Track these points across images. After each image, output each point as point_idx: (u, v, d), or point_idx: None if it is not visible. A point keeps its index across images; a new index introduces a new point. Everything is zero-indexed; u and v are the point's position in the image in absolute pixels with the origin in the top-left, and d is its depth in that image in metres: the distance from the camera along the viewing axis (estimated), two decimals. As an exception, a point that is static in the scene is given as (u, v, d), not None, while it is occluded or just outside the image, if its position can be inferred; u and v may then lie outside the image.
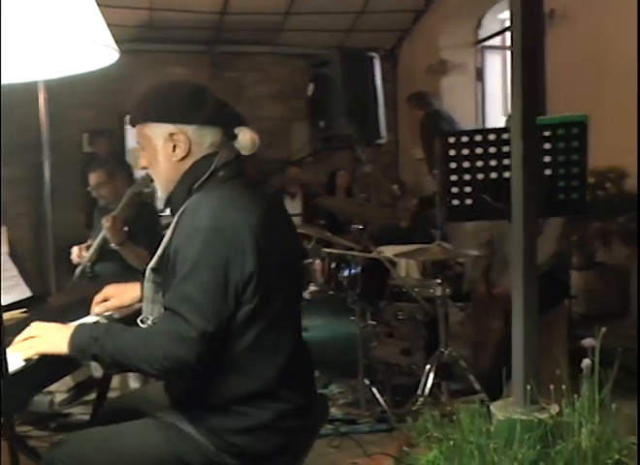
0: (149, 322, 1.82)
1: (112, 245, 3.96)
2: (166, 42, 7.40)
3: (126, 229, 4.05)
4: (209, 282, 1.68)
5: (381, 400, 3.37)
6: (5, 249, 2.39)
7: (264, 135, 6.63)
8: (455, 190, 2.85)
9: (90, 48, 1.40)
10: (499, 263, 3.81)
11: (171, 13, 6.57)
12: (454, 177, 2.83)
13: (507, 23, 7.27)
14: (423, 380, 3.22)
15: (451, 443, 1.78)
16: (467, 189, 2.84)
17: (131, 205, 4.10)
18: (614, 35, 4.60)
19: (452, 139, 2.80)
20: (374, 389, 3.43)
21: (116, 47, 1.44)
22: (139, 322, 1.85)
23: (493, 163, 2.79)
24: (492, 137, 2.77)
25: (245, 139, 1.85)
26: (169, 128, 1.81)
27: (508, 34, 7.29)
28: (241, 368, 1.76)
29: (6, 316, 2.07)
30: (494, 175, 2.81)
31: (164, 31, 7.13)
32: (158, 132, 1.82)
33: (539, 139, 2.73)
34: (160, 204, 1.94)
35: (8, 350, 1.75)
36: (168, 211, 1.90)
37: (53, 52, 1.45)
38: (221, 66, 7.79)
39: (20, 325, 2.02)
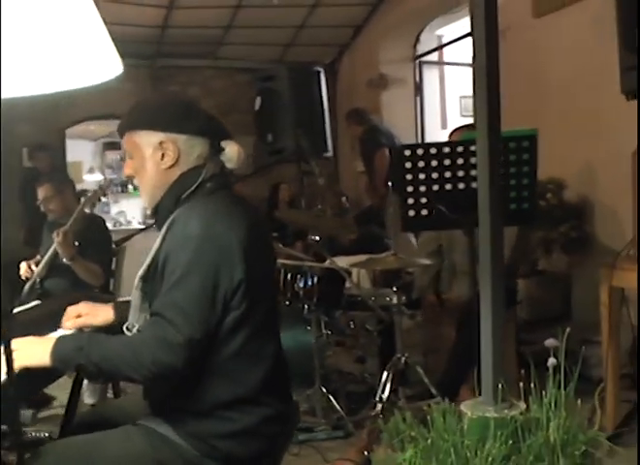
0: (135, 329, 1.85)
1: (64, 260, 3.93)
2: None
3: (77, 244, 4.04)
4: (199, 289, 1.72)
5: (338, 407, 3.44)
6: None
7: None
8: (411, 201, 2.94)
9: (95, 61, 1.43)
10: (447, 271, 3.95)
11: (114, 26, 6.49)
12: (410, 188, 2.92)
13: (444, 39, 7.49)
14: (381, 386, 3.29)
15: (428, 441, 1.85)
16: (423, 200, 2.94)
17: (81, 220, 4.09)
18: (552, 49, 4.80)
19: (408, 152, 2.89)
20: (331, 397, 3.50)
21: (120, 60, 1.47)
22: (124, 329, 1.87)
23: (447, 174, 2.89)
24: (446, 149, 2.88)
25: (232, 151, 1.91)
26: (159, 136, 1.85)
27: (445, 49, 7.52)
28: (227, 374, 1.80)
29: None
30: (448, 187, 2.91)
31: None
32: (148, 139, 1.86)
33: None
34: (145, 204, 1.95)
35: None
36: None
37: (56, 64, 1.46)
38: (162, 79, 7.78)
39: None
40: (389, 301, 3.34)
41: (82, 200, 4.21)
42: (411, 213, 2.96)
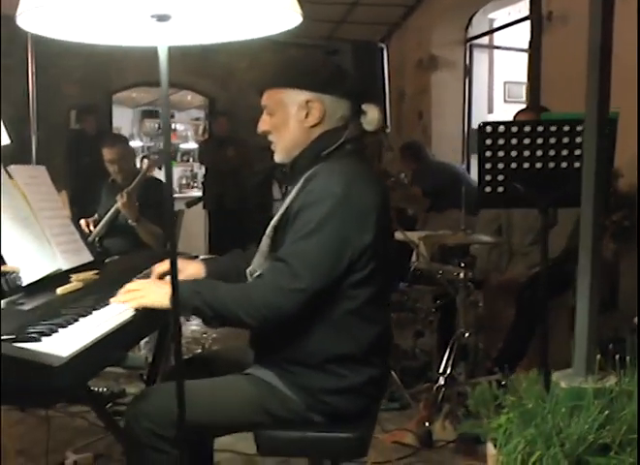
0: (256, 275, 1.91)
1: (129, 222, 4.00)
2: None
3: (137, 204, 4.11)
4: (329, 243, 1.77)
5: (397, 380, 3.50)
6: (67, 213, 2.44)
7: (251, 122, 6.70)
8: (488, 178, 2.97)
9: (273, 11, 1.50)
10: (505, 251, 3.98)
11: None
12: (488, 165, 2.95)
13: (496, 23, 7.46)
14: (444, 360, 3.35)
15: (530, 406, 1.90)
16: (500, 177, 2.97)
17: (143, 182, 4.15)
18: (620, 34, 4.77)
19: (489, 129, 2.92)
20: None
21: (299, 11, 1.52)
22: (247, 273, 1.94)
23: (526, 153, 2.92)
24: (527, 128, 2.90)
25: (373, 115, 1.95)
26: (307, 95, 1.89)
27: (496, 34, 7.49)
28: (342, 330, 1.85)
29: (80, 276, 2.14)
30: (526, 165, 2.93)
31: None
32: (295, 98, 1.90)
33: (575, 133, 2.89)
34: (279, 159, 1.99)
35: (111, 301, 1.84)
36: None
37: (238, 14, 1.54)
38: (211, 49, 7.77)
39: (97, 285, 2.10)
40: (456, 276, 3.37)
41: (146, 162, 4.28)
42: (487, 190, 2.99)
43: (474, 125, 7.44)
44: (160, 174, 5.00)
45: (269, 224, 1.92)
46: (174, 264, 1.55)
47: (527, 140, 2.91)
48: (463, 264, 3.41)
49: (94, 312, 1.78)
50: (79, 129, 7.22)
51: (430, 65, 7.08)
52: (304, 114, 1.90)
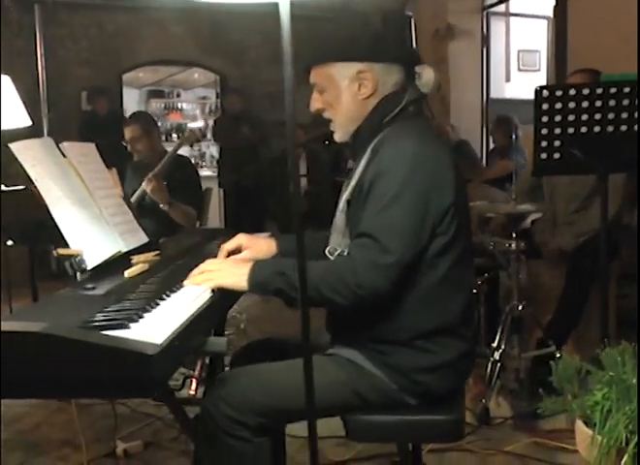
0: (336, 254, 1.82)
1: (161, 206, 3.87)
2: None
3: (165, 183, 3.98)
4: (411, 210, 1.67)
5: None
6: (120, 191, 2.33)
7: (265, 98, 6.64)
8: (544, 144, 2.85)
9: None
10: (549, 220, 3.87)
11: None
12: (544, 131, 2.83)
13: (512, -10, 7.30)
14: (498, 334, 3.25)
15: (634, 381, 1.80)
16: (557, 143, 2.85)
17: (171, 161, 4.03)
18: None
19: (546, 93, 2.80)
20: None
21: None
22: (326, 253, 1.85)
23: (584, 117, 2.80)
24: (585, 91, 2.78)
25: (429, 76, 1.85)
26: (356, 66, 1.80)
27: (512, 1, 7.33)
28: (430, 301, 1.75)
29: (141, 258, 2.03)
30: (584, 130, 2.82)
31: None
32: (344, 71, 1.81)
33: (633, 94, 2.76)
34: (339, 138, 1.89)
35: (185, 283, 1.73)
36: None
37: None
38: (222, 24, 7.63)
39: (161, 266, 2.00)
40: (508, 247, 3.26)
41: (177, 140, 4.17)
42: (543, 156, 2.88)
43: (492, 95, 7.32)
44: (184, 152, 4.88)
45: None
46: (300, 240, 1.46)
47: (585, 104, 2.79)
48: (514, 235, 3.30)
49: (172, 295, 1.67)
50: (90, 110, 7.09)
51: (446, 34, 6.92)
52: (357, 86, 1.82)
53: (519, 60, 8.15)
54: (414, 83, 1.86)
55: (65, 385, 1.35)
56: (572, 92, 2.79)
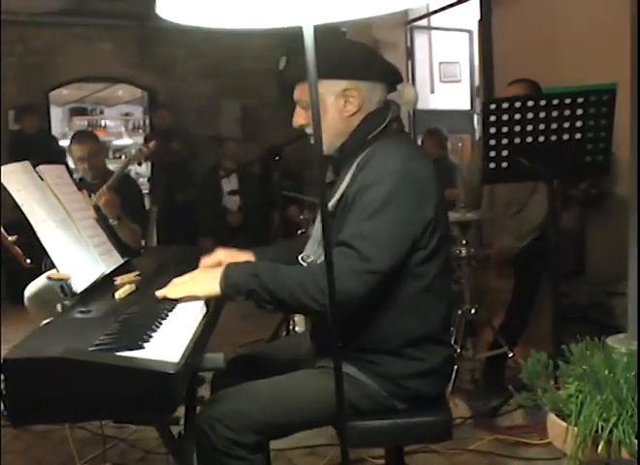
0: (309, 261, 1.87)
1: (111, 221, 3.84)
2: (94, 15, 7.15)
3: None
4: (394, 222, 1.73)
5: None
6: (93, 213, 2.33)
7: (194, 112, 6.64)
8: (492, 154, 2.99)
9: None
10: (489, 224, 4.04)
11: (106, -16, 6.34)
12: (492, 142, 2.97)
13: (433, 6, 7.51)
14: (453, 336, 3.37)
15: (605, 373, 1.92)
16: (504, 153, 3.00)
17: (118, 179, 4.01)
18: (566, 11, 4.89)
19: (493, 106, 2.94)
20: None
21: None
22: (299, 259, 1.90)
23: (529, 128, 2.95)
24: (530, 103, 2.93)
25: (410, 94, 1.94)
26: (343, 84, 1.86)
27: (434, 16, 7.55)
28: (414, 311, 1.83)
29: (124, 279, 2.04)
30: (529, 139, 2.97)
31: (94, 3, 6.87)
32: (331, 88, 1.86)
33: (575, 105, 2.94)
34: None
35: (157, 294, 1.78)
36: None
37: None
38: (149, 41, 7.61)
39: (147, 286, 2.01)
40: (459, 253, 3.39)
41: (124, 158, 4.14)
42: (492, 166, 3.02)
43: (418, 106, 7.51)
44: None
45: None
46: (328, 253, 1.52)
47: (530, 115, 2.95)
48: (465, 242, 3.43)
49: (170, 313, 1.70)
50: (18, 129, 6.92)
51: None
52: (343, 103, 1.88)
53: (440, 72, 8.39)
54: (395, 101, 1.94)
55: (84, 407, 1.37)
56: (517, 104, 2.94)
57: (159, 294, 1.78)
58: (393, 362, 1.83)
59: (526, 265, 3.65)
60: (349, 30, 7.32)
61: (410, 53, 7.36)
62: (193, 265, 2.08)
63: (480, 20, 5.74)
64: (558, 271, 3.06)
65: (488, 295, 3.91)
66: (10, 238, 3.67)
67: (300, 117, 1.94)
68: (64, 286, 1.81)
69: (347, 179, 1.84)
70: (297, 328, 3.92)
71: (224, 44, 7.89)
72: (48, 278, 1.80)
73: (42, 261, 4.10)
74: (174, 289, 1.79)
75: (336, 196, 1.86)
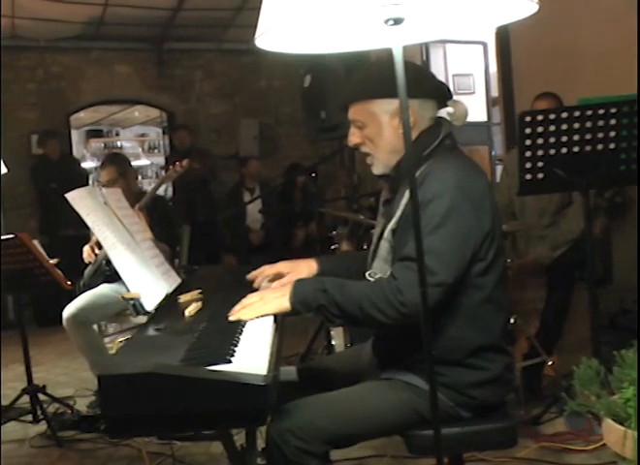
0: (376, 277, 1.92)
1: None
2: (112, 39, 7.26)
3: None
4: (455, 235, 1.79)
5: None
6: (150, 234, 2.39)
7: (211, 131, 6.75)
8: (528, 165, 3.05)
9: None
10: (523, 235, 4.07)
11: (125, 9, 6.44)
12: (528, 153, 3.03)
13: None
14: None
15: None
16: (540, 164, 3.05)
17: (149, 200, 4.08)
18: (584, 22, 4.95)
19: (528, 118, 3.00)
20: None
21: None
22: (367, 276, 1.95)
23: (564, 139, 3.01)
24: (564, 115, 2.99)
25: (461, 110, 1.98)
26: (397, 102, 1.89)
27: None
28: (477, 322, 1.88)
29: (187, 297, 2.10)
30: (564, 150, 3.03)
31: (111, 28, 6.98)
32: (385, 107, 1.92)
33: (608, 115, 2.99)
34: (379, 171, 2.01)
35: (230, 318, 1.83)
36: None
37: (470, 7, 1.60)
38: (167, 63, 7.72)
39: (212, 303, 2.07)
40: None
41: (140, 179, 4.23)
42: (528, 177, 3.08)
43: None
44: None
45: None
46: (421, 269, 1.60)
47: (564, 126, 3.00)
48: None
49: (244, 328, 1.76)
50: (41, 154, 7.02)
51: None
52: (398, 121, 1.92)
53: (454, 84, 8.47)
54: (445, 117, 2.00)
55: (178, 419, 1.43)
56: (552, 116, 3.00)
57: (233, 318, 1.84)
58: (457, 372, 1.88)
59: (560, 275, 3.69)
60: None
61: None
62: (246, 282, 2.15)
63: (497, 33, 5.81)
64: (595, 280, 3.10)
65: (521, 305, 3.94)
66: (51, 261, 3.77)
67: (355, 137, 1.99)
68: (136, 305, 1.86)
69: (406, 196, 1.89)
70: (333, 341, 3.96)
71: (239, 63, 8.02)
72: (122, 298, 1.85)
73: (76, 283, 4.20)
74: (246, 311, 1.85)
75: (398, 213, 1.91)
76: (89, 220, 1.90)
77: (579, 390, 2.23)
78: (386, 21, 1.53)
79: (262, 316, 1.83)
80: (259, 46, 1.57)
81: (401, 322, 1.80)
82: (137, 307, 1.87)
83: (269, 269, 2.16)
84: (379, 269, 1.95)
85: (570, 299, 3.64)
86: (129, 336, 1.74)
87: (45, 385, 4.02)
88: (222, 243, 7.53)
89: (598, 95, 4.78)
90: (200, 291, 2.18)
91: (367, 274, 1.97)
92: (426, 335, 1.59)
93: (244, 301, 1.89)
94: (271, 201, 7.19)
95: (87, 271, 4.31)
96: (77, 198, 1.91)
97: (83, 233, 6.31)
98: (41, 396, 3.93)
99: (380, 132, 1.94)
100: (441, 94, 1.99)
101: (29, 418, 3.91)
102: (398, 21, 1.52)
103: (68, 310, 3.97)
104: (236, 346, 1.60)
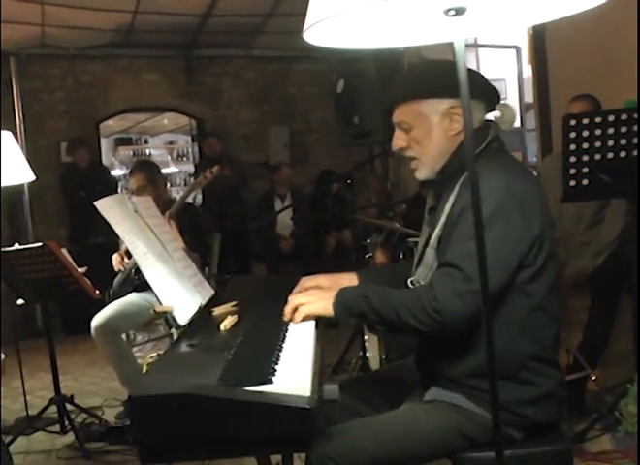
0: (418, 285, 1.85)
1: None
2: (141, 46, 7.24)
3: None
4: (499, 240, 1.68)
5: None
6: (183, 244, 2.31)
7: (241, 139, 6.67)
8: (573, 171, 2.93)
9: None
10: (563, 243, 3.93)
11: (155, 15, 6.40)
12: (573, 158, 2.92)
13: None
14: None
15: None
16: (585, 169, 2.93)
17: (180, 207, 4.01)
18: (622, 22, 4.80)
19: (573, 121, 2.88)
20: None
21: None
22: (409, 283, 1.88)
23: (610, 143, 2.89)
24: (611, 118, 2.87)
25: (509, 114, 1.91)
26: (447, 102, 1.82)
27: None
28: (525, 331, 1.77)
29: (221, 309, 2.01)
30: (610, 156, 2.91)
31: (140, 35, 6.96)
32: (436, 107, 1.83)
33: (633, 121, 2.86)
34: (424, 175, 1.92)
35: (285, 319, 1.84)
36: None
37: None
38: (195, 70, 7.69)
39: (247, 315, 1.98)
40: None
41: (169, 186, 4.17)
42: (572, 183, 2.96)
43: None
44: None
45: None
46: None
47: (610, 130, 2.88)
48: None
49: (284, 344, 1.67)
50: (70, 162, 7.00)
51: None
52: (449, 122, 1.84)
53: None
54: (493, 120, 1.91)
55: (215, 444, 1.34)
56: (598, 120, 2.88)
57: (286, 317, 1.86)
58: (506, 388, 1.73)
59: (603, 284, 3.55)
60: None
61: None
62: (282, 292, 2.07)
63: (532, 34, 5.68)
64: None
65: (563, 316, 3.80)
66: (80, 270, 3.71)
67: (400, 140, 1.89)
68: (169, 318, 1.78)
69: (451, 201, 1.80)
70: (368, 354, 3.86)
71: (268, 69, 7.97)
72: (154, 312, 1.76)
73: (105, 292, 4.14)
74: (298, 313, 1.84)
75: (442, 219, 1.82)
76: (119, 229, 1.82)
77: (632, 410, 2.12)
78: (447, 12, 1.41)
79: (309, 315, 1.83)
80: (307, 40, 1.48)
81: (439, 331, 1.71)
82: (169, 321, 1.78)
83: (308, 282, 2.08)
84: (422, 277, 1.87)
85: (616, 310, 3.50)
86: (160, 351, 1.63)
87: (72, 395, 3.97)
88: (252, 252, 7.47)
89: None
90: (235, 303, 2.09)
91: (409, 281, 1.90)
92: (489, 345, 1.48)
93: (294, 301, 1.87)
94: (302, 208, 7.11)
95: (116, 280, 4.25)
96: (106, 206, 1.83)
97: (113, 241, 6.30)
98: (68, 406, 3.87)
99: (429, 133, 1.85)
100: (490, 96, 1.90)
101: (57, 428, 3.86)
102: (460, 11, 1.40)
103: (97, 319, 3.91)
104: (277, 364, 1.51)
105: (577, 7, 1.47)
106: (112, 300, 4.14)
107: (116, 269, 4.20)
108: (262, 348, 1.62)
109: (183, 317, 1.84)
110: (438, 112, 1.84)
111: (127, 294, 4.20)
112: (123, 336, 4.18)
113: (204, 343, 1.70)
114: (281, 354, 1.58)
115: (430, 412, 1.81)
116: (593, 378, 3.39)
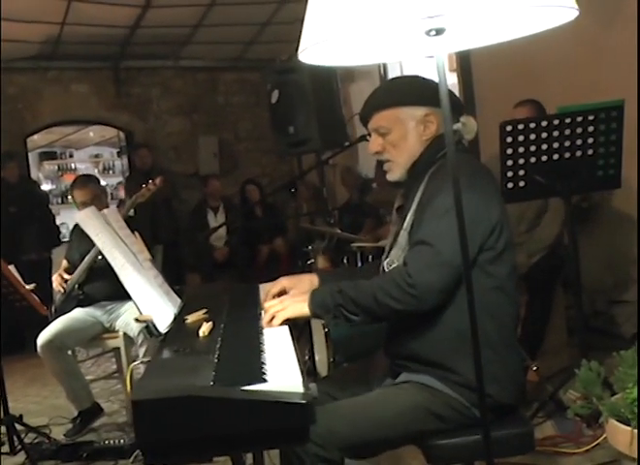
0: (394, 266, 1.98)
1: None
2: (69, 58, 7.15)
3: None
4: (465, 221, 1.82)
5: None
6: (149, 255, 2.35)
7: (170, 149, 6.68)
8: (510, 174, 3.10)
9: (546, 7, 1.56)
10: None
11: (83, 27, 6.35)
12: (509, 162, 3.09)
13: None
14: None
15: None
16: (521, 172, 3.11)
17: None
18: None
19: (509, 128, 3.05)
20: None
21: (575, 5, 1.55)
22: (385, 264, 2.02)
23: (544, 147, 3.07)
24: (544, 123, 3.05)
25: (472, 124, 2.04)
26: (424, 110, 1.99)
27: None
28: (487, 310, 1.88)
29: (194, 317, 2.07)
30: (544, 158, 3.09)
31: (69, 47, 6.88)
32: (414, 113, 2.00)
33: (586, 122, 3.06)
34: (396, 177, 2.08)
35: (264, 326, 1.92)
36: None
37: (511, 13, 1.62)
38: (124, 81, 7.64)
39: (220, 322, 2.04)
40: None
41: (133, 198, 4.18)
42: (510, 186, 3.13)
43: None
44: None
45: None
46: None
47: (544, 134, 3.06)
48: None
49: (264, 345, 1.74)
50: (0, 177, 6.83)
51: (345, 77, 7.20)
52: (422, 128, 2.02)
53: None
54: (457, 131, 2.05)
55: (216, 442, 1.40)
56: (532, 125, 3.06)
57: (266, 324, 1.94)
58: (470, 367, 1.79)
59: (538, 281, 3.75)
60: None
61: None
62: (241, 298, 2.15)
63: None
64: (579, 284, 3.16)
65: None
66: (27, 287, 3.67)
67: (376, 145, 2.06)
68: (150, 327, 1.83)
69: (420, 191, 1.97)
70: (316, 357, 3.94)
71: (197, 80, 7.98)
72: (136, 320, 1.81)
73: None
74: (276, 319, 1.93)
75: (413, 206, 1.98)
76: (99, 240, 1.87)
77: (581, 392, 2.27)
78: (427, 32, 1.56)
79: (286, 319, 1.92)
80: (302, 60, 1.59)
81: (415, 306, 1.84)
82: (151, 329, 1.83)
83: (272, 288, 2.18)
84: (397, 258, 2.00)
85: (551, 305, 3.70)
86: (143, 360, 1.68)
87: (21, 414, 3.90)
88: (185, 262, 7.46)
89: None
90: (206, 310, 2.15)
91: (385, 263, 2.04)
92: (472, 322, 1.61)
93: (270, 310, 1.96)
94: (233, 218, 7.17)
95: (58, 297, 4.22)
96: (85, 218, 1.88)
97: (44, 258, 6.18)
98: (17, 426, 3.81)
99: (405, 136, 2.02)
100: (456, 108, 2.03)
101: (6, 449, 3.79)
102: (439, 32, 1.56)
103: (43, 336, 3.88)
104: (264, 364, 1.58)
105: (546, 24, 1.62)
106: (57, 317, 4.10)
107: (56, 290, 4.18)
108: (244, 350, 1.70)
109: (163, 325, 1.89)
110: (415, 118, 2.00)
111: (71, 309, 4.17)
112: (69, 353, 4.15)
113: (188, 348, 1.76)
114: (265, 355, 1.66)
115: (399, 392, 1.93)
116: (534, 368, 3.57)
